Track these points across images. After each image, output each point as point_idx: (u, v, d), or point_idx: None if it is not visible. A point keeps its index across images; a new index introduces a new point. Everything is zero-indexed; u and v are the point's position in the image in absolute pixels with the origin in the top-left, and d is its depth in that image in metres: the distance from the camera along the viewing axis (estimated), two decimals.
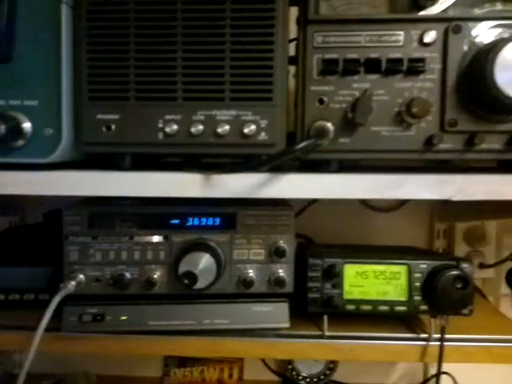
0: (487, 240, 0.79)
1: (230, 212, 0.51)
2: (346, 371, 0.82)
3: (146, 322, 0.52)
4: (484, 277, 0.79)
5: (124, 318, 0.52)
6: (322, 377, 0.80)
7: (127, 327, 0.52)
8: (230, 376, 0.83)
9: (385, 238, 0.79)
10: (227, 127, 0.41)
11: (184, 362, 0.83)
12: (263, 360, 0.83)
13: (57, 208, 0.52)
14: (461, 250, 0.79)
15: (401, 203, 0.80)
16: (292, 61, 0.44)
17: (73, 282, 0.48)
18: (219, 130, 0.41)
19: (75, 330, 0.51)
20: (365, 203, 0.81)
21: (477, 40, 0.39)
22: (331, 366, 0.80)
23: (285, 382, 0.82)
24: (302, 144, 0.39)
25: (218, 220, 0.52)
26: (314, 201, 0.79)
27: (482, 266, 0.78)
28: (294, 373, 0.80)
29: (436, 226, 0.81)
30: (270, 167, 0.44)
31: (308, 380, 0.80)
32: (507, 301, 0.81)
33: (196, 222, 0.52)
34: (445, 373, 0.78)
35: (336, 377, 0.81)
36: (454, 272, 0.51)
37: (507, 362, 0.56)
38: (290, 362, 0.80)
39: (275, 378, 0.83)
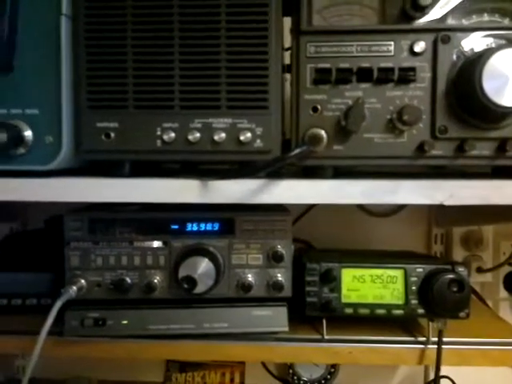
0: (484, 244, 0.79)
1: (228, 217, 0.52)
2: (347, 376, 0.81)
3: (147, 326, 0.52)
4: (482, 281, 0.80)
5: (125, 322, 0.52)
6: (323, 381, 0.80)
7: (128, 331, 0.52)
8: (232, 380, 0.84)
9: (383, 243, 0.79)
10: (223, 135, 0.42)
11: (185, 366, 0.84)
12: (264, 364, 0.83)
13: (57, 214, 0.53)
14: (458, 254, 0.80)
15: (398, 208, 0.81)
16: (289, 69, 0.45)
17: (74, 287, 0.49)
18: (216, 137, 0.42)
19: (77, 334, 0.52)
20: (363, 208, 0.82)
21: (465, 50, 0.40)
22: (332, 370, 0.80)
23: None
24: (296, 151, 0.40)
25: (216, 225, 0.53)
26: (312, 206, 0.79)
27: (479, 270, 0.79)
28: (294, 377, 0.80)
29: (433, 231, 0.81)
30: (267, 174, 0.44)
31: None
32: (506, 305, 0.81)
33: (195, 227, 0.53)
34: (444, 376, 0.78)
35: (337, 381, 0.81)
36: (450, 276, 0.52)
37: (503, 365, 0.56)
38: (290, 366, 0.80)
39: (276, 382, 0.83)
